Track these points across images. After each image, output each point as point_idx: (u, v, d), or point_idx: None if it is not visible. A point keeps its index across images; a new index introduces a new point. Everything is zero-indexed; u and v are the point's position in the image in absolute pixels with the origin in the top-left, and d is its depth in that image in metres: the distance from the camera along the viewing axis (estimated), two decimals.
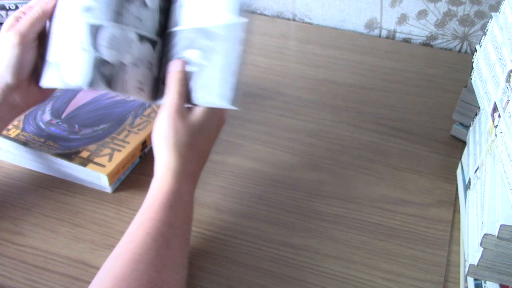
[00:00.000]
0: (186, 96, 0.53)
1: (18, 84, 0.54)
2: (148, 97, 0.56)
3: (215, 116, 0.54)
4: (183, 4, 0.55)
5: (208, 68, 0.52)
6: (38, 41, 0.54)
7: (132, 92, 0.54)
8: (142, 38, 0.54)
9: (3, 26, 0.54)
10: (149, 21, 0.54)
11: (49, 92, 0.59)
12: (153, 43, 0.55)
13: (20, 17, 0.54)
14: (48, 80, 0.54)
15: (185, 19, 0.54)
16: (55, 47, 0.53)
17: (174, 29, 0.55)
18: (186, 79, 0.53)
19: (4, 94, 0.54)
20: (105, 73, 0.52)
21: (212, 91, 0.51)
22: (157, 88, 0.56)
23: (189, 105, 0.53)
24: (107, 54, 0.52)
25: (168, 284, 0.44)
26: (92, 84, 0.52)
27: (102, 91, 0.55)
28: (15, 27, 0.53)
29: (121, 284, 0.42)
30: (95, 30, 0.52)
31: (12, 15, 0.54)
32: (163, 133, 0.50)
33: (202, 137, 0.52)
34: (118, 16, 0.52)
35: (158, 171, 0.51)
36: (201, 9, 0.53)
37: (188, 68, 0.53)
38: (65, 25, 0.53)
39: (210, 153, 0.55)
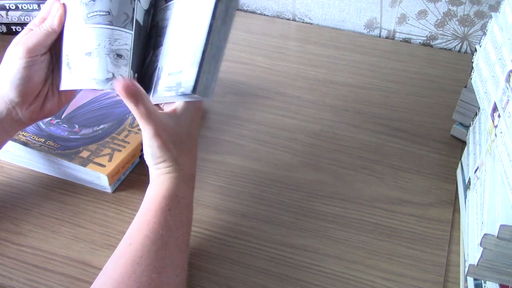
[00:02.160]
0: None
1: (23, 100, 0.53)
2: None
3: (191, 108, 0.50)
4: None
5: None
6: (50, 54, 0.54)
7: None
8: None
9: (14, 39, 0.53)
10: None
11: (55, 109, 0.57)
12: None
13: (32, 30, 0.53)
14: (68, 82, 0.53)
15: None
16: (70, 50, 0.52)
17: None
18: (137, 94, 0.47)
19: (8, 108, 0.53)
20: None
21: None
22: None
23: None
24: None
25: (167, 286, 0.45)
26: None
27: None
28: (23, 41, 0.52)
29: (121, 286, 0.43)
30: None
31: (26, 27, 0.53)
32: (156, 154, 0.48)
33: (188, 139, 0.51)
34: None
35: (154, 176, 0.50)
36: None
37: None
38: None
39: (210, 153, 0.55)
